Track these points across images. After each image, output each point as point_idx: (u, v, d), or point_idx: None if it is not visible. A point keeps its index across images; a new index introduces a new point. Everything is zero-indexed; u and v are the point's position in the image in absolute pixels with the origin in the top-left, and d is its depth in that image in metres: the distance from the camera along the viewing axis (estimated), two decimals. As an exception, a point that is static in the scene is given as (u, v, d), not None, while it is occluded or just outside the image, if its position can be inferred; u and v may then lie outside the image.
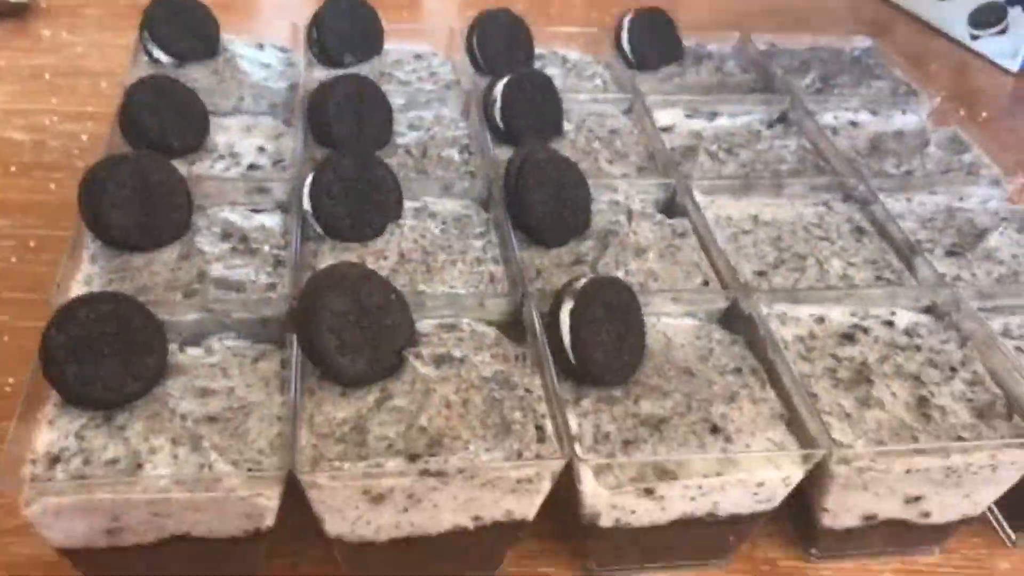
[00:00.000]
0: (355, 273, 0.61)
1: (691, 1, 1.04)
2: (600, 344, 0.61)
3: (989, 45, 1.37)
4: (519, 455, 0.56)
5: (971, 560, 0.68)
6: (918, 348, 0.67)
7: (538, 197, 0.73)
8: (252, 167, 0.80)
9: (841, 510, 0.62)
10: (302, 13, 0.98)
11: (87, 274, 0.67)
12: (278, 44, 1.00)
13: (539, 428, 0.58)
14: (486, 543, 0.60)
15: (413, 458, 0.55)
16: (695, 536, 0.62)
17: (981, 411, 0.63)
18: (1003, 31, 1.36)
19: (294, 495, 0.56)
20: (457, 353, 0.62)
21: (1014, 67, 1.34)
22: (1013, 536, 0.69)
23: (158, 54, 0.92)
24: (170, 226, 0.70)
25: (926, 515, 0.64)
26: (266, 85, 0.91)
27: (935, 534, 0.66)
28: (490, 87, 0.86)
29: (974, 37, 1.40)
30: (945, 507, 0.63)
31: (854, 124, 0.95)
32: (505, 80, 0.85)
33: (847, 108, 0.96)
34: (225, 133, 0.84)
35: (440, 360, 0.61)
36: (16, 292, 0.83)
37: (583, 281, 0.62)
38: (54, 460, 0.55)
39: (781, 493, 0.60)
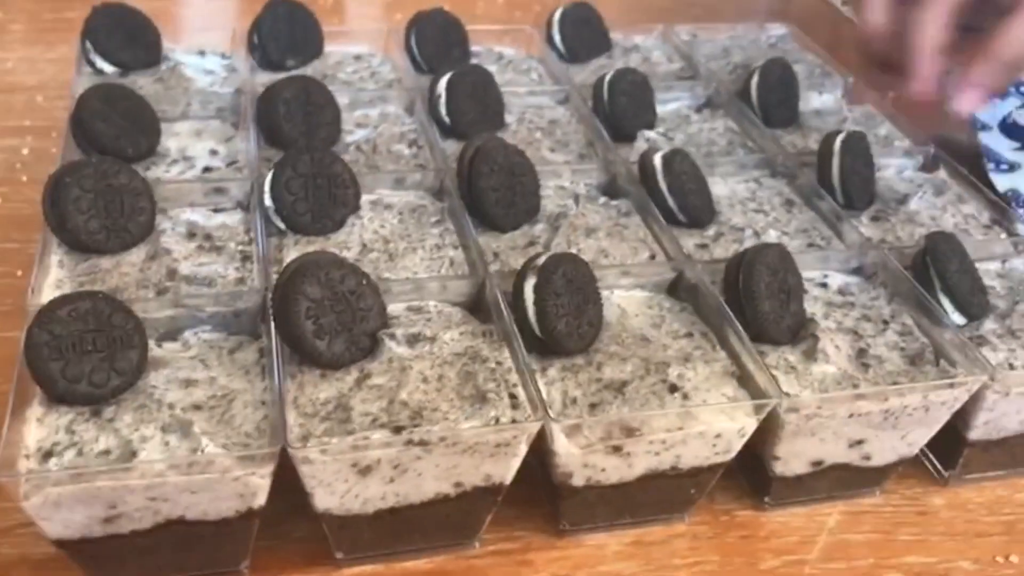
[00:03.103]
0: (327, 261, 0.63)
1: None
2: (563, 316, 0.64)
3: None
4: (496, 421, 0.59)
5: (909, 499, 0.74)
6: (852, 305, 0.73)
7: (491, 184, 0.76)
8: (207, 169, 0.82)
9: (791, 457, 0.67)
10: (234, 21, 1.00)
11: (57, 278, 0.69)
12: (218, 51, 1.01)
13: (512, 396, 0.61)
14: (467, 510, 0.64)
15: (398, 430, 0.58)
16: (660, 490, 0.66)
17: (912, 358, 0.68)
18: None
19: (279, 477, 0.58)
20: (428, 332, 0.65)
21: None
22: (945, 473, 0.74)
23: (101, 64, 0.93)
24: (135, 228, 0.72)
25: (867, 458, 0.69)
26: (212, 90, 0.93)
27: (876, 476, 0.72)
28: (434, 83, 0.90)
29: (844, 2, 1.55)
30: (884, 449, 0.69)
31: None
32: (448, 76, 0.89)
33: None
34: (176, 138, 0.86)
35: (413, 339, 0.64)
36: (-30, 304, 0.84)
37: (544, 258, 0.66)
38: (47, 455, 0.56)
39: (737, 444, 0.64)
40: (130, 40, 0.94)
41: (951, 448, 0.73)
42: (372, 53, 1.04)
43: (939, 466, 0.75)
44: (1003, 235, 0.83)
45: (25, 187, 0.99)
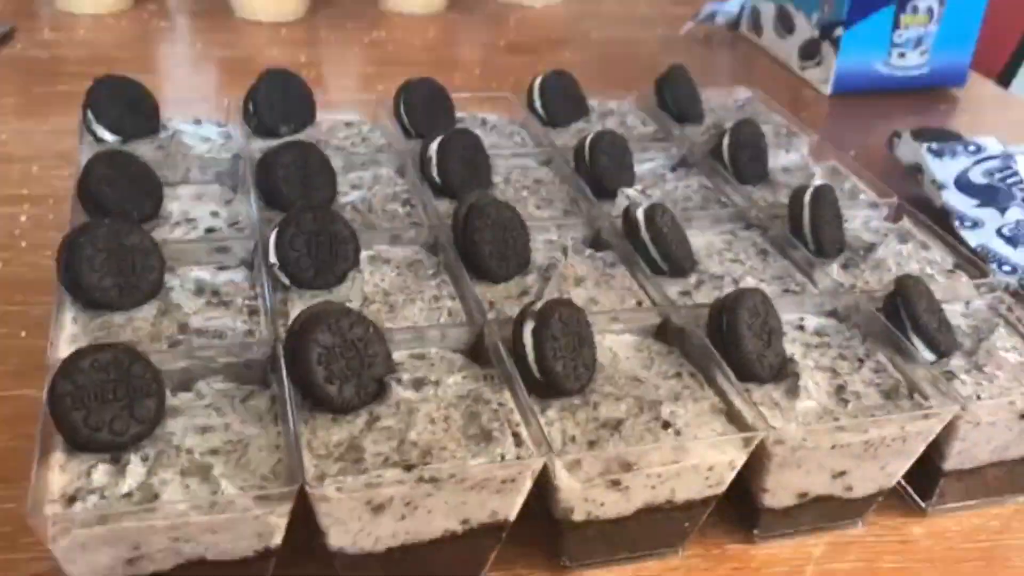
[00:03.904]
0: (336, 310, 0.67)
1: (577, 69, 1.16)
2: (560, 358, 0.68)
3: (813, 74, 1.65)
4: (502, 458, 0.62)
5: (890, 529, 0.77)
6: (828, 345, 0.77)
7: (485, 237, 0.80)
8: (210, 230, 0.86)
9: (779, 488, 0.71)
10: (218, 93, 1.04)
11: (72, 334, 0.71)
12: (213, 120, 1.06)
13: (516, 435, 0.65)
14: (473, 546, 0.66)
15: (409, 468, 0.61)
16: (656, 524, 0.69)
17: (888, 393, 0.73)
18: (819, 63, 1.62)
19: (291, 521, 0.61)
20: (432, 377, 0.69)
21: (827, 91, 1.61)
22: (923, 504, 0.78)
23: (103, 133, 0.97)
24: (146, 286, 0.75)
25: (850, 488, 0.73)
26: (210, 156, 0.97)
27: (858, 507, 0.75)
28: (425, 146, 0.95)
29: (802, 68, 1.67)
30: (865, 480, 0.73)
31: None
32: (439, 139, 0.94)
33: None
34: (178, 202, 0.90)
35: (419, 383, 0.68)
36: (-22, 366, 0.86)
37: (540, 304, 0.70)
38: (71, 500, 0.58)
39: (728, 476, 0.68)
40: (130, 110, 0.98)
41: (928, 479, 0.77)
42: (362, 120, 1.09)
43: (917, 498, 0.79)
44: (964, 278, 0.88)
45: (25, 252, 1.01)
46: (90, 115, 0.97)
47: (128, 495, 0.59)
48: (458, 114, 1.09)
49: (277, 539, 0.61)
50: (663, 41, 1.83)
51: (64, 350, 0.69)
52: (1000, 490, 0.79)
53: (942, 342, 0.77)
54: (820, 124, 1.51)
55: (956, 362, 0.77)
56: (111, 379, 0.62)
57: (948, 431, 0.72)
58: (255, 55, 1.59)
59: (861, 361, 0.76)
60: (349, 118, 1.09)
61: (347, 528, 0.61)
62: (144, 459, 0.61)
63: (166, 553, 0.59)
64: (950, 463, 0.75)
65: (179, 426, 0.64)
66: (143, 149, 0.96)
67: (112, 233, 0.74)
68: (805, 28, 1.64)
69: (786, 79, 1.66)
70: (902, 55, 1.62)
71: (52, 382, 0.61)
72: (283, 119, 1.02)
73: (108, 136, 0.97)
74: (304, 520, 0.62)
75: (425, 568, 0.67)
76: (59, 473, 0.60)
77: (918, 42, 1.61)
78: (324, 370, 0.64)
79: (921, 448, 0.72)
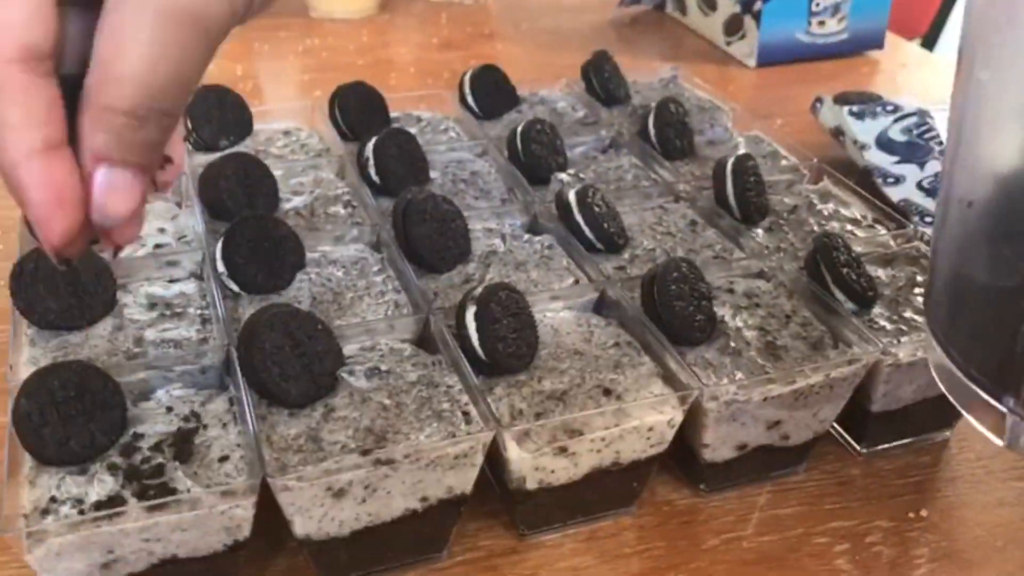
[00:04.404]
0: (284, 311, 0.70)
1: (508, 60, 1.19)
2: (503, 338, 0.72)
3: (738, 48, 1.70)
4: (453, 436, 0.66)
5: (829, 473, 0.82)
6: (758, 305, 0.82)
7: (424, 231, 0.84)
8: (158, 245, 0.88)
9: (718, 443, 0.75)
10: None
11: (31, 355, 0.74)
12: (153, 138, 1.07)
13: (465, 413, 0.68)
14: (434, 523, 0.70)
15: (365, 452, 0.64)
16: (605, 487, 0.73)
17: (815, 344, 0.77)
18: (742, 37, 1.68)
19: (258, 517, 0.64)
20: (383, 367, 0.72)
21: (752, 63, 1.66)
22: (858, 447, 0.83)
23: (44, 160, 0.98)
24: (99, 304, 0.77)
25: (786, 437, 0.77)
26: (153, 175, 0.99)
27: (796, 455, 0.80)
28: (361, 148, 0.98)
29: (728, 43, 1.72)
30: (800, 428, 0.77)
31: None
32: (374, 140, 0.97)
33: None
34: (124, 221, 0.92)
35: (370, 374, 0.71)
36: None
37: (479, 289, 0.73)
38: (44, 512, 0.61)
39: (668, 434, 0.72)
40: (69, 136, 1.00)
41: (859, 423, 0.82)
42: (299, 127, 1.11)
43: (852, 441, 0.84)
44: (883, 231, 0.93)
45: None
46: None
47: (98, 504, 0.61)
48: (393, 114, 1.12)
49: (245, 531, 0.64)
50: (592, 27, 1.87)
51: (24, 371, 0.72)
52: (928, 427, 0.84)
53: (862, 293, 0.81)
54: (747, 96, 1.56)
55: (877, 310, 0.82)
56: (72, 395, 0.64)
57: (873, 375, 0.77)
58: (191, 72, 1.61)
59: (788, 317, 0.80)
60: (286, 127, 1.11)
61: (311, 515, 0.65)
62: (110, 468, 0.64)
63: (139, 555, 0.62)
64: (877, 405, 0.79)
65: (143, 433, 0.67)
66: (86, 173, 0.98)
67: (61, 256, 0.76)
68: (727, 4, 1.69)
69: (712, 55, 1.71)
70: (821, 23, 1.67)
71: (16, 402, 0.63)
72: (222, 133, 1.04)
73: (50, 163, 0.99)
74: (271, 517, 0.65)
75: (389, 547, 0.70)
76: (29, 488, 0.63)
77: (836, 9, 1.67)
78: (277, 369, 0.67)
79: (848, 393, 0.77)
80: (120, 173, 0.46)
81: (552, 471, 0.70)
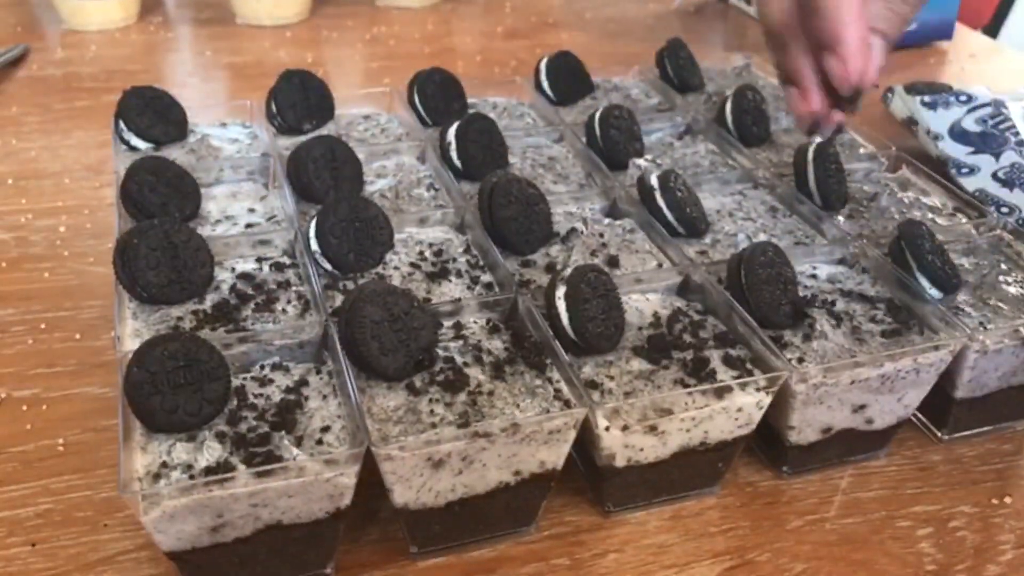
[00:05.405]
0: (383, 289, 0.72)
1: (574, 49, 1.20)
2: (592, 319, 0.73)
3: None
4: (547, 412, 0.68)
5: (910, 459, 0.82)
6: (841, 290, 0.82)
7: (509, 214, 0.85)
8: (249, 225, 0.91)
9: (803, 425, 0.76)
10: (234, 97, 1.08)
11: (134, 328, 0.76)
12: (238, 121, 1.10)
13: (558, 391, 0.70)
14: (525, 496, 0.71)
15: (464, 425, 0.66)
16: (691, 466, 0.74)
17: (899, 330, 0.78)
18: None
19: (357, 488, 0.66)
20: (475, 343, 0.74)
21: None
22: (939, 433, 0.83)
23: (135, 141, 1.02)
24: (199, 280, 0.80)
25: (870, 421, 0.78)
26: (240, 156, 1.01)
27: (879, 439, 0.80)
28: (443, 133, 0.99)
29: None
30: (884, 412, 0.78)
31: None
32: (455, 126, 0.99)
33: (741, 115, 1.13)
34: (215, 201, 0.94)
35: (463, 350, 0.73)
36: (39, 368, 0.91)
37: (569, 270, 0.75)
38: (156, 477, 0.63)
39: (756, 416, 0.73)
40: (159, 118, 1.03)
41: (942, 409, 0.82)
42: (378, 112, 1.13)
43: (933, 428, 0.84)
44: (964, 220, 0.93)
45: (68, 260, 1.06)
46: (122, 125, 1.02)
47: (208, 469, 0.64)
48: (469, 100, 1.14)
49: (347, 499, 0.66)
50: (656, 16, 1.87)
51: (130, 344, 0.74)
52: (1011, 415, 0.84)
53: (947, 279, 0.81)
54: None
55: (962, 297, 0.82)
56: (180, 365, 0.67)
57: (958, 361, 0.77)
58: (263, 58, 1.64)
59: (872, 303, 0.81)
60: (367, 111, 1.13)
61: (411, 484, 0.67)
62: (218, 436, 0.66)
63: (246, 519, 0.64)
64: (961, 392, 0.79)
65: (245, 405, 0.69)
66: (175, 154, 1.01)
67: (163, 233, 0.79)
68: (794, -7, 1.68)
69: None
70: (891, 13, 1.66)
71: (127, 372, 0.66)
72: (305, 116, 1.07)
73: (141, 144, 1.02)
74: (368, 489, 0.67)
75: (482, 519, 0.72)
76: (141, 454, 0.65)
77: (906, 0, 1.65)
78: (377, 343, 0.69)
79: (934, 378, 0.77)
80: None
81: (641, 449, 0.71)
